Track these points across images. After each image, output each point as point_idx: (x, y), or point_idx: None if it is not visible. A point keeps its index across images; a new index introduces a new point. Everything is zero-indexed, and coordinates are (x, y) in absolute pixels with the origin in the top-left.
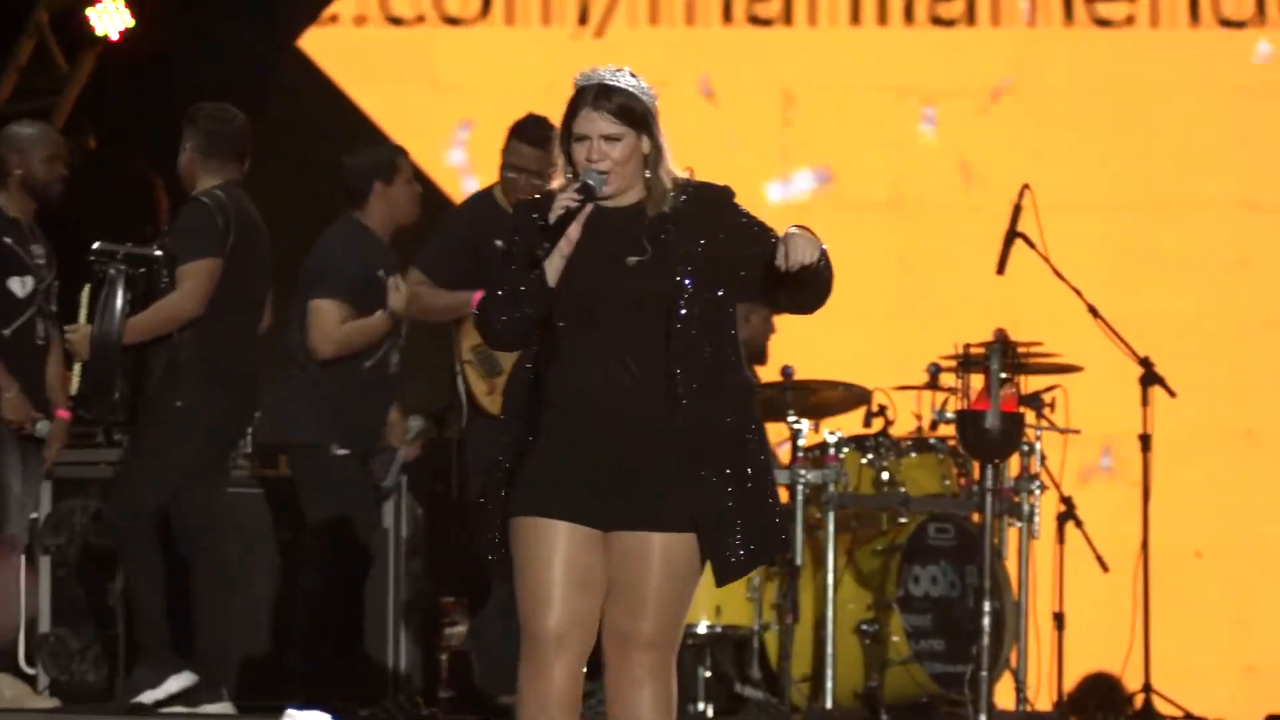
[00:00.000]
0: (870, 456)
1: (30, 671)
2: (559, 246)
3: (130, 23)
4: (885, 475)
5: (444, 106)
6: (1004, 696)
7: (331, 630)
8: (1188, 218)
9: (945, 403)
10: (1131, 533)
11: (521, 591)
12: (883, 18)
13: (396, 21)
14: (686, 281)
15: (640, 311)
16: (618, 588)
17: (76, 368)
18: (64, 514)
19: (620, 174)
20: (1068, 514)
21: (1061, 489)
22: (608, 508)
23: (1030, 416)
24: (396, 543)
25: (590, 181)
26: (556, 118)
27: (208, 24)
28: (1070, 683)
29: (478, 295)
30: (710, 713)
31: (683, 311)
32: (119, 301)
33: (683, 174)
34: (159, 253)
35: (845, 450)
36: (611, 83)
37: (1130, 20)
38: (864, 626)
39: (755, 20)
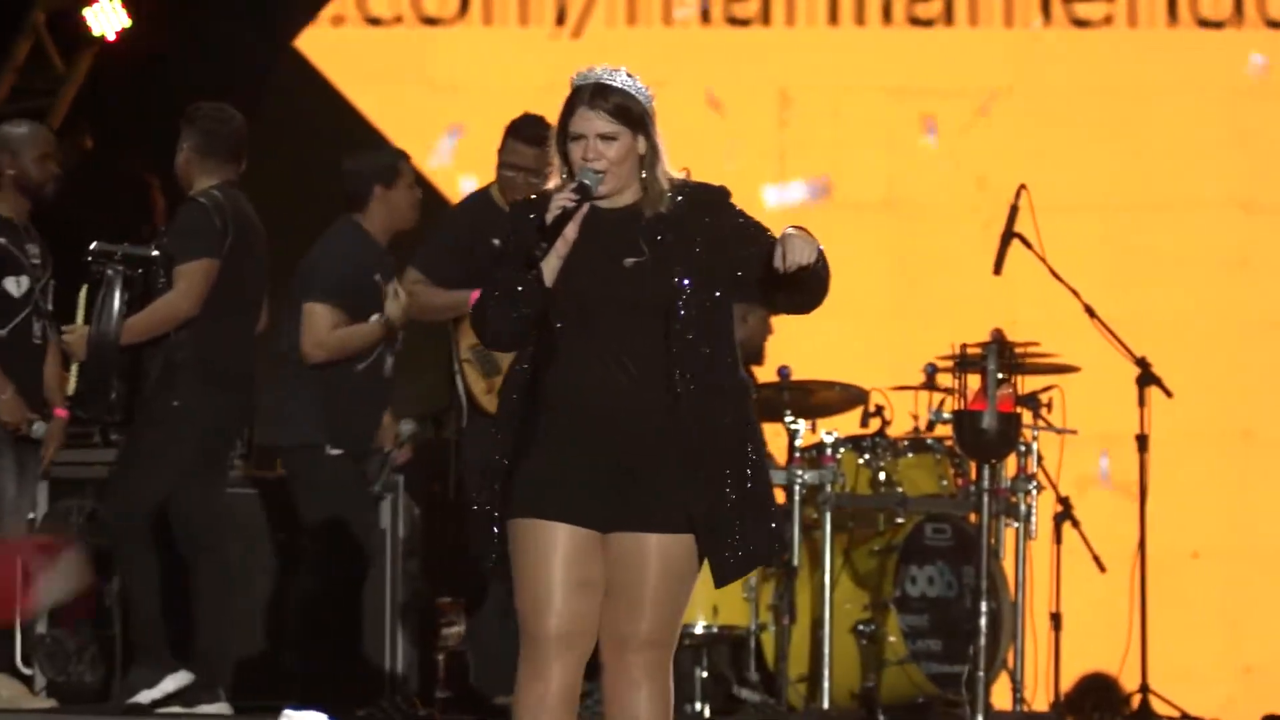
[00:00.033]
0: (867, 457)
1: (27, 672)
2: (556, 247)
3: (127, 23)
4: (882, 475)
5: (442, 107)
6: (1001, 697)
7: (328, 630)
8: (1185, 218)
9: (942, 403)
10: (1128, 533)
11: (521, 593)
12: (860, 18)
13: (375, 22)
14: (684, 282)
15: (638, 312)
16: (615, 589)
17: (74, 368)
18: (61, 514)
19: (616, 174)
20: (1065, 514)
21: (1059, 489)
22: (606, 509)
23: (1027, 417)
24: (393, 543)
25: (586, 181)
26: (552, 118)
27: (204, 24)
28: (1067, 683)
29: (475, 294)
30: (707, 713)
31: (680, 312)
32: (116, 302)
33: (679, 174)
34: (156, 253)
35: (842, 450)
36: (608, 82)
37: (1109, 20)
38: (861, 627)
39: (734, 20)
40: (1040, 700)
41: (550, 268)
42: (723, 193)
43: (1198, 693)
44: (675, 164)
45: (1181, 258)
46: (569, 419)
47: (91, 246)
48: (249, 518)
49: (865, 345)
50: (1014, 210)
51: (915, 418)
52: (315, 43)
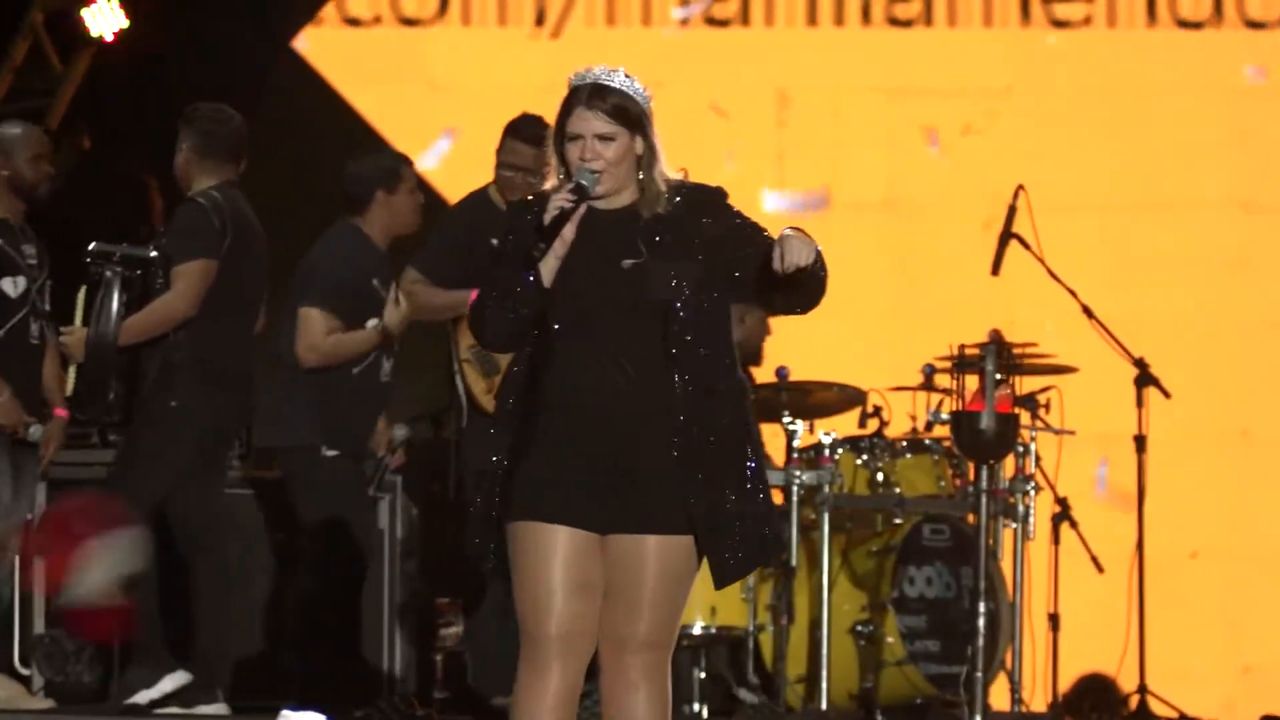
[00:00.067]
0: (865, 457)
1: (25, 672)
2: (554, 248)
3: (125, 23)
4: (880, 476)
5: (440, 107)
6: (999, 697)
7: (326, 631)
8: (1184, 218)
9: (940, 404)
10: (1126, 533)
11: (521, 595)
12: (841, 18)
13: (354, 23)
14: (682, 284)
15: (636, 314)
16: (614, 590)
17: (72, 368)
18: None
19: (614, 174)
20: (1063, 515)
21: (1056, 490)
22: (604, 510)
23: (1025, 417)
24: (392, 543)
25: (584, 181)
26: (550, 118)
27: (202, 24)
28: (1065, 683)
29: (475, 294)
30: (705, 714)
31: (679, 314)
32: (115, 304)
33: (677, 175)
34: (154, 254)
35: (840, 451)
36: (606, 82)
37: (1088, 20)
38: (859, 627)
39: (712, 21)
40: (1038, 701)
41: (548, 268)
42: (720, 193)
43: (1196, 693)
44: (672, 165)
45: (1181, 258)
46: (567, 420)
47: (90, 247)
48: (247, 518)
49: (863, 346)
50: (1012, 211)
51: (913, 418)
52: (313, 43)
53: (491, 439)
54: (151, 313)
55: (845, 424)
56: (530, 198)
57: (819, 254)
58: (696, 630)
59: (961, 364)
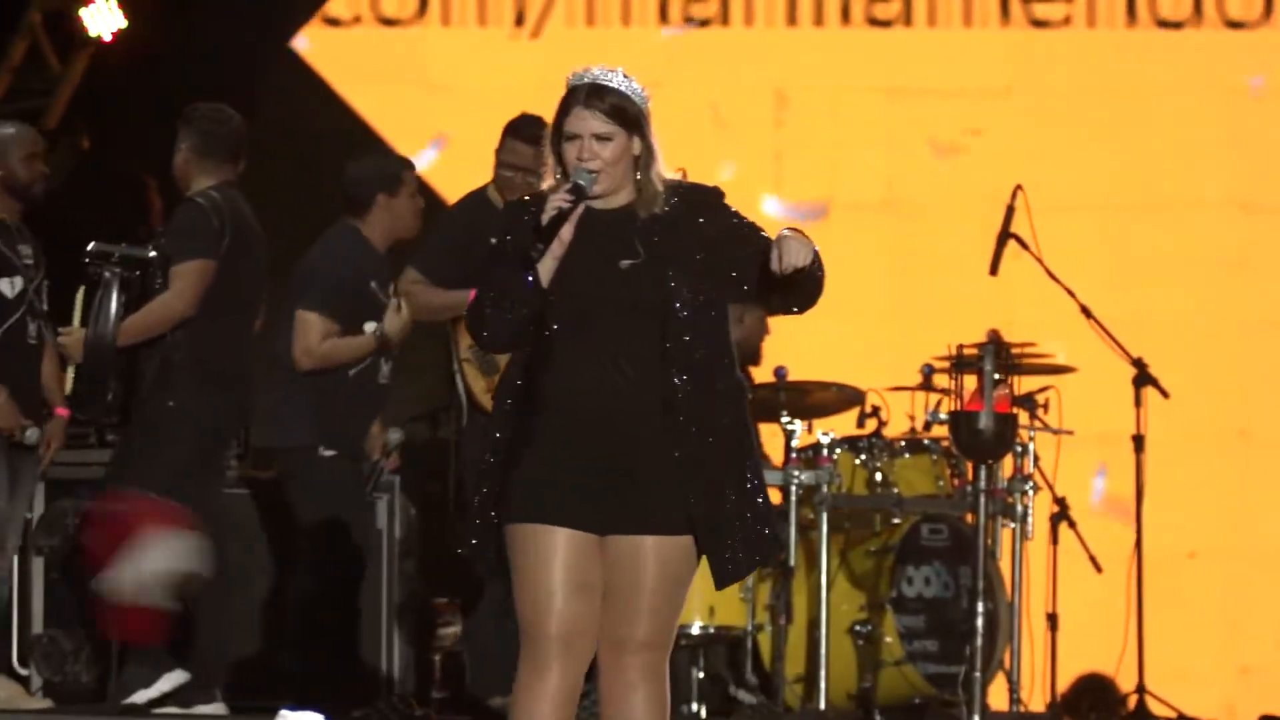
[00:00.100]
0: (864, 457)
1: (23, 672)
2: (552, 248)
3: (123, 23)
4: (879, 476)
5: (439, 108)
6: (997, 697)
7: (325, 631)
8: (1182, 218)
9: (939, 403)
10: (1125, 533)
11: (521, 596)
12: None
13: (334, 23)
14: (680, 284)
15: (634, 314)
16: (612, 591)
17: (71, 369)
18: (56, 515)
19: (611, 174)
20: (1061, 515)
21: (1055, 490)
22: (603, 511)
23: (1023, 417)
24: (390, 543)
25: (581, 181)
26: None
27: (200, 24)
28: (1064, 683)
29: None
30: (704, 714)
31: (677, 314)
32: (113, 305)
33: (675, 175)
34: (153, 254)
35: (839, 451)
36: (604, 82)
37: (1067, 20)
38: (857, 627)
39: (689, 20)
40: (1037, 701)
41: (546, 269)
42: (717, 193)
43: (1194, 693)
44: (670, 166)
45: (1179, 258)
46: (565, 421)
47: (89, 247)
48: (246, 518)
49: (862, 346)
50: (1010, 211)
51: (912, 418)
52: (311, 43)
53: (488, 439)
54: (150, 313)
55: (843, 424)
56: (526, 198)
57: (816, 254)
58: (695, 630)
59: (960, 364)
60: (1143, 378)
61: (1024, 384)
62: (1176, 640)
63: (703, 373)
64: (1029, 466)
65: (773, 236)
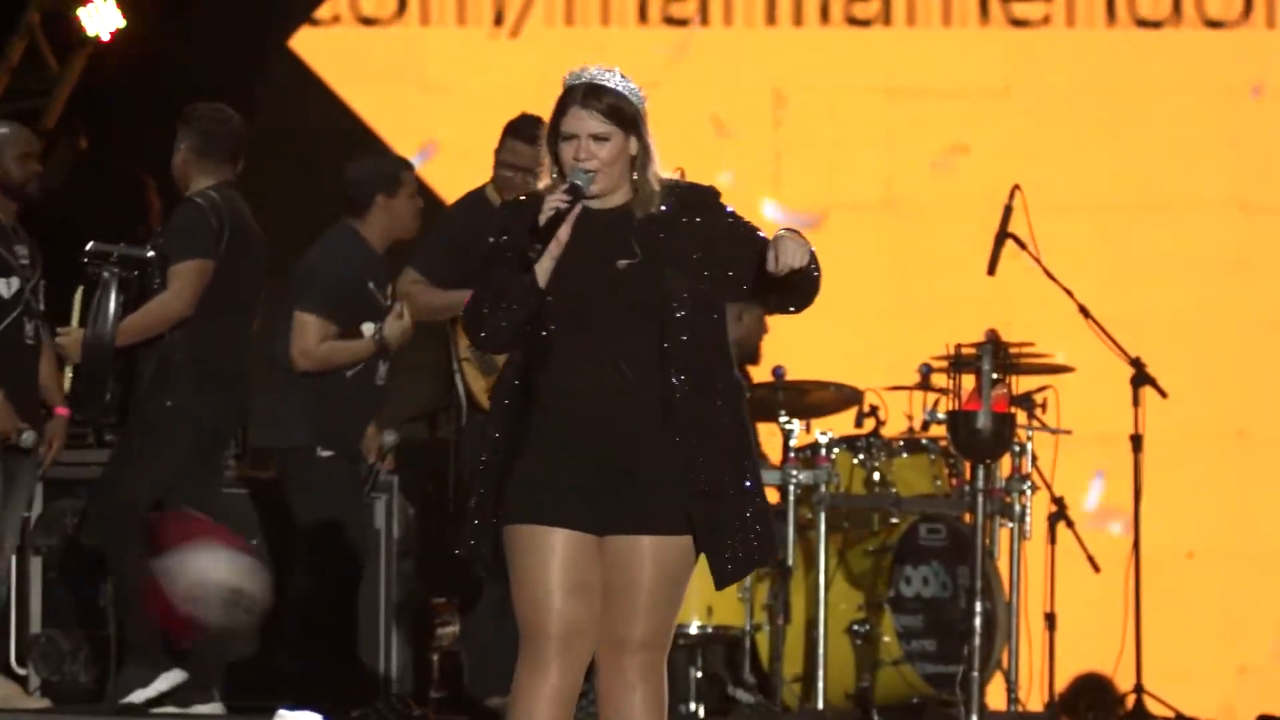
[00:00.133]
0: (862, 457)
1: (21, 672)
2: (549, 248)
3: (121, 23)
4: (877, 476)
5: (437, 108)
6: (995, 697)
7: (323, 631)
8: (1180, 218)
9: (937, 403)
10: (1123, 533)
11: (520, 597)
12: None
13: (314, 22)
14: (678, 284)
15: (632, 314)
16: (611, 591)
17: (69, 369)
18: (55, 515)
19: (608, 174)
20: (1059, 514)
21: (1053, 489)
22: (602, 512)
23: (1022, 417)
24: (388, 543)
25: (578, 181)
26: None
27: (199, 24)
28: (1061, 683)
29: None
30: (702, 713)
31: (675, 314)
32: (112, 304)
33: (672, 175)
34: (152, 254)
35: (837, 451)
36: (601, 82)
37: (1046, 20)
38: (855, 627)
39: (670, 20)
40: (1035, 701)
41: (544, 269)
42: (713, 193)
43: (1193, 693)
44: (668, 165)
45: (1178, 258)
46: (563, 421)
47: (87, 247)
48: (244, 518)
49: (860, 345)
50: (1008, 211)
51: (910, 418)
52: (309, 43)
53: (486, 440)
54: (148, 313)
55: (842, 423)
56: (523, 198)
57: (813, 254)
58: (693, 630)
59: (958, 363)
60: (1141, 378)
61: (1022, 384)
62: (1175, 640)
63: (701, 372)
64: (1027, 466)
65: (770, 236)
